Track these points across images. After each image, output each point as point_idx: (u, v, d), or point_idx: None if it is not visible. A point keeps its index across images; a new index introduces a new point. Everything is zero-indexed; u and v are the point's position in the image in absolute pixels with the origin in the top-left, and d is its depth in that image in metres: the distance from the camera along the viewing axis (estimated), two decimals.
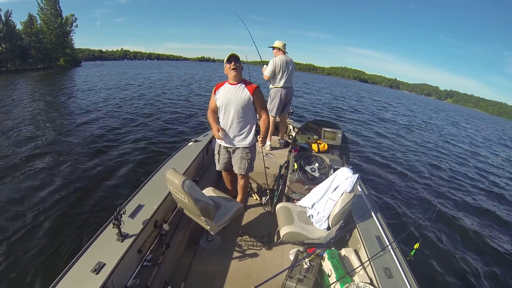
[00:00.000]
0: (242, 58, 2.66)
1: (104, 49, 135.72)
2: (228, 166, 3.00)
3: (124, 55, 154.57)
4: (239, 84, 2.62)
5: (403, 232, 2.20)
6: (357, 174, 2.31)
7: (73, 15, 48.43)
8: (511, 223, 5.39)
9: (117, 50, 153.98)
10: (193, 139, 3.85)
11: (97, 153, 6.66)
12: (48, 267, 3.13)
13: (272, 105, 4.38)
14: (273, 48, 4.34)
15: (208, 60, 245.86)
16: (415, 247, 1.91)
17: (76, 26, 49.61)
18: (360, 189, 2.95)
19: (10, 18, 38.57)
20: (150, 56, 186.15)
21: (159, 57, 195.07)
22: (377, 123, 15.25)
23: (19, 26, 41.91)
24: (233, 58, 2.54)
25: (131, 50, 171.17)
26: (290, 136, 5.08)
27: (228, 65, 2.57)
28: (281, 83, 4.28)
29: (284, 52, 4.29)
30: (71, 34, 49.17)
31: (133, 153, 6.77)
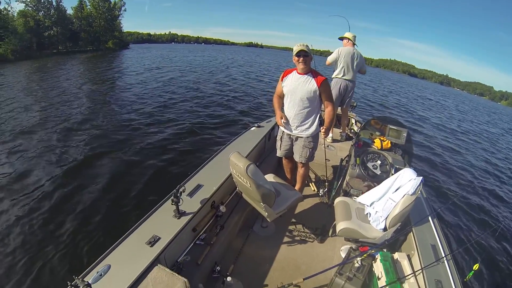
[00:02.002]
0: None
1: (152, 33, 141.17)
2: (289, 154, 3.07)
3: (172, 38, 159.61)
4: (307, 75, 2.66)
5: (460, 245, 2.14)
6: (421, 177, 2.27)
7: (121, 0, 51.29)
8: None
9: (165, 33, 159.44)
10: (256, 125, 3.98)
11: (156, 131, 7.26)
12: (105, 236, 3.50)
13: None
14: (343, 38, 4.37)
15: (256, 45, 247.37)
16: (474, 268, 1.85)
17: (125, 10, 52.19)
18: (420, 193, 2.89)
19: (61, 3, 41.66)
20: (198, 40, 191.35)
21: (206, 41, 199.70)
22: (439, 124, 14.58)
23: (70, 11, 45.19)
24: (302, 54, 2.56)
25: (179, 34, 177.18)
26: (352, 130, 5.08)
27: (296, 58, 2.60)
28: (340, 74, 4.32)
29: (353, 44, 4.30)
30: (119, 18, 51.80)
31: (193, 133, 7.23)
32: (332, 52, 4.42)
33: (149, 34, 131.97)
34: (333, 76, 4.43)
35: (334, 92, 4.37)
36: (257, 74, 23.04)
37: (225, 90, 13.42)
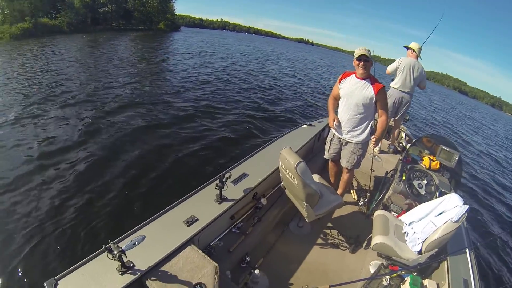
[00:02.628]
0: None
1: (204, 18, 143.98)
2: (337, 157, 3.08)
3: (223, 26, 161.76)
4: (365, 80, 2.64)
5: (493, 284, 2.04)
6: (467, 206, 2.17)
7: None
8: None
9: (217, 20, 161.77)
10: (307, 123, 4.00)
11: (206, 116, 7.56)
12: (145, 207, 3.77)
13: None
14: (408, 48, 4.28)
15: (306, 42, 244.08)
16: None
17: None
18: (463, 222, 2.78)
19: None
20: (249, 30, 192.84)
21: (257, 32, 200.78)
22: (488, 152, 13.65)
23: None
24: (362, 58, 2.55)
25: (231, 22, 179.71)
26: (401, 144, 4.97)
27: (356, 62, 2.59)
28: (397, 85, 4.23)
29: (417, 56, 4.19)
30: (173, 1, 53.50)
31: (242, 124, 7.44)
32: (393, 61, 4.34)
33: (201, 19, 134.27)
34: (390, 85, 4.34)
35: (389, 102, 4.25)
36: (307, 72, 23.03)
37: (274, 86, 13.46)
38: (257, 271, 2.14)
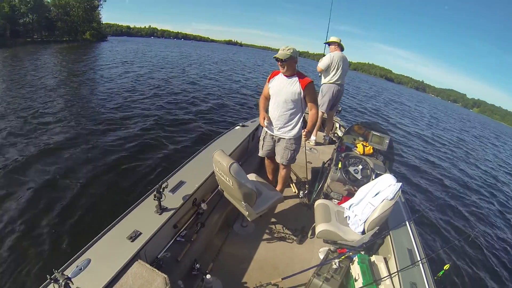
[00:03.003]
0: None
1: (132, 26, 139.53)
2: (271, 154, 3.13)
3: (152, 33, 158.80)
4: (292, 77, 2.73)
5: (435, 249, 2.24)
6: (400, 183, 2.35)
7: None
8: None
9: (145, 27, 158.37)
10: (240, 124, 4.00)
11: (137, 126, 7.18)
12: (86, 230, 3.44)
13: (323, 101, 4.48)
14: (329, 44, 4.43)
15: (235, 43, 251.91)
16: (444, 268, 1.97)
17: (105, 0, 51.37)
18: (398, 198, 3.00)
19: None
20: (178, 35, 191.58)
21: (186, 37, 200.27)
22: (416, 131, 15.20)
23: None
24: (279, 60, 2.64)
25: (159, 28, 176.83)
26: (335, 134, 5.18)
27: (278, 62, 2.68)
28: (334, 79, 4.37)
29: (342, 49, 4.37)
30: (99, 9, 50.78)
31: (176, 130, 7.21)
32: (321, 56, 4.48)
33: (128, 27, 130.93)
34: (325, 81, 4.47)
35: (327, 97, 4.45)
36: (231, 73, 23.18)
37: (196, 90, 13.23)
38: (208, 276, 2.10)
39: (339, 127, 5.35)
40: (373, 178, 2.94)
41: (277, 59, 2.66)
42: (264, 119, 2.92)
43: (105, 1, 51.62)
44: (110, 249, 1.78)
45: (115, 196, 4.21)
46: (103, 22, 58.68)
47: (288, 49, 2.63)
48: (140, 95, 10.69)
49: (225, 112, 9.91)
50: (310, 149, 4.32)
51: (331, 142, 4.92)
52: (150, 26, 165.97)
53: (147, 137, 6.47)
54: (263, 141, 3.12)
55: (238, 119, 8.58)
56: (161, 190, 2.08)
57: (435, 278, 2.06)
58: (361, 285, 2.08)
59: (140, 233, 1.90)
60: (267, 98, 2.99)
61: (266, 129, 3.04)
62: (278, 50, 2.73)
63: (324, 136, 4.95)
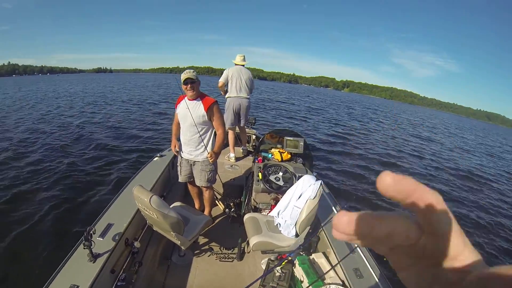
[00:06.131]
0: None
1: None
2: (191, 178, 3.20)
3: (13, 70, 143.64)
4: (196, 100, 2.84)
5: None
6: (319, 181, 2.58)
7: None
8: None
9: (4, 64, 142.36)
10: (158, 154, 3.96)
11: (59, 174, 6.37)
12: None
13: (225, 116, 4.51)
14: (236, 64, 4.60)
15: (105, 71, 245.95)
16: None
17: None
18: (325, 194, 3.24)
19: None
20: (42, 70, 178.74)
21: (52, 71, 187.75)
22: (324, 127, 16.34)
23: None
24: (189, 81, 2.73)
25: (20, 64, 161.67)
26: (254, 145, 5.26)
27: (184, 86, 2.76)
28: (233, 93, 4.52)
29: (243, 64, 4.56)
30: None
31: (99, 171, 6.65)
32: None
33: None
34: (227, 96, 4.62)
35: (229, 111, 4.56)
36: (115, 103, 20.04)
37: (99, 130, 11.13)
38: None
39: (256, 138, 5.45)
40: (296, 181, 3.13)
41: (186, 82, 2.72)
42: (175, 146, 3.05)
43: None
44: None
45: (43, 254, 3.76)
46: None
47: (193, 72, 2.76)
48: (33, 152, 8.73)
49: (140, 144, 9.31)
50: (231, 166, 4.42)
51: (250, 153, 5.02)
52: (9, 62, 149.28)
53: (69, 185, 5.82)
54: (180, 166, 3.17)
55: (154, 149, 8.11)
56: (89, 237, 1.99)
57: (385, 259, 2.34)
58: (307, 284, 2.24)
59: (78, 287, 1.82)
60: (179, 124, 3.06)
61: (181, 155, 3.11)
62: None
63: (242, 151, 5.05)
